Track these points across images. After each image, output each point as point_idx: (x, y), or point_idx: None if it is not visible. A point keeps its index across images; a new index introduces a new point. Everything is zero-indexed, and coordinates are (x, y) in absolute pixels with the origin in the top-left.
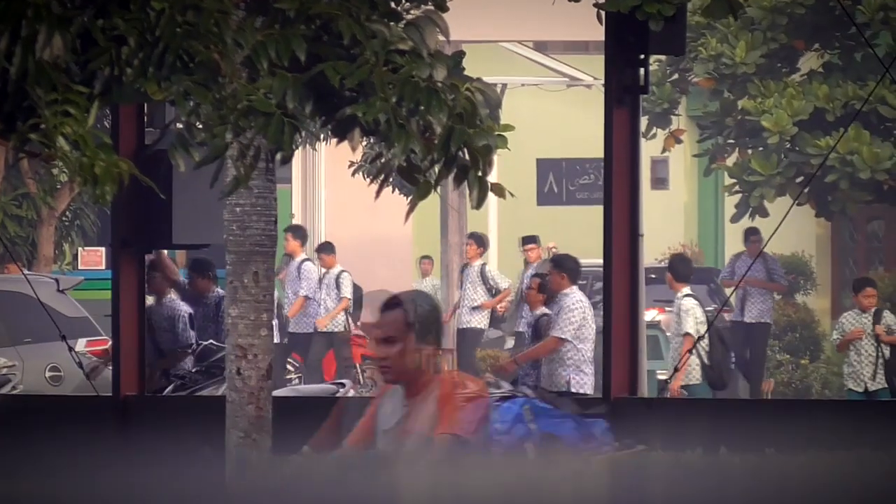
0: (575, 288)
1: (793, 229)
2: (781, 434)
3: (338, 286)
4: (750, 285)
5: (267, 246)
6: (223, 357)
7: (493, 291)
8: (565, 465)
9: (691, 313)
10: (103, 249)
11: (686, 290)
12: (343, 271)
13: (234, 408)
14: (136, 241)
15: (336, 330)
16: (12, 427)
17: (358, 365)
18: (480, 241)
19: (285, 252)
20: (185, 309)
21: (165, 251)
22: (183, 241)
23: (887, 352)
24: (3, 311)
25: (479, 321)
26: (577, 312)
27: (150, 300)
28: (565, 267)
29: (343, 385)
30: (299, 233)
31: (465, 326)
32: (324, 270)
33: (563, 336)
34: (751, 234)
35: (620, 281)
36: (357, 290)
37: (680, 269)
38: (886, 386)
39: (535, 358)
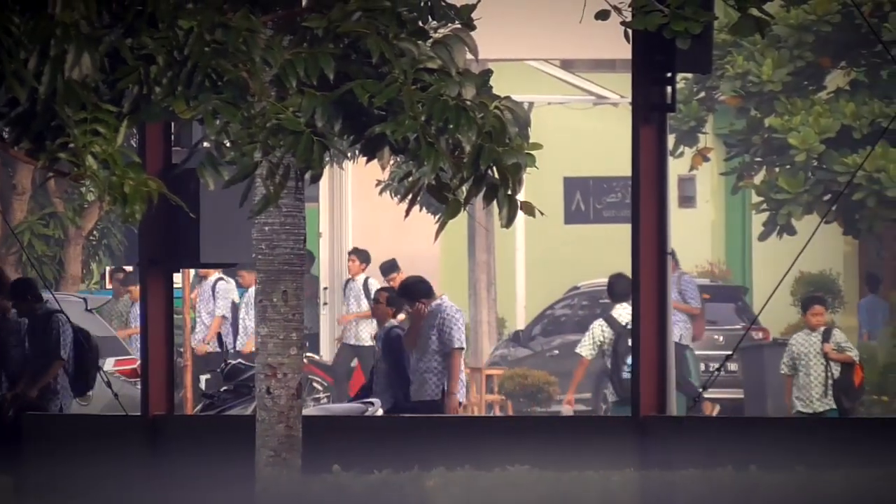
0: (443, 297)
1: (820, 247)
2: (812, 452)
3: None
4: None
5: (296, 265)
6: (252, 376)
7: None
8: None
9: (593, 333)
10: (131, 268)
11: (621, 308)
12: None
13: (264, 427)
14: (164, 259)
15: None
16: (42, 446)
17: None
18: (363, 256)
19: (197, 273)
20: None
21: None
22: (211, 260)
23: (836, 371)
24: None
25: (368, 338)
26: (461, 318)
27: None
28: (418, 291)
29: (372, 404)
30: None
31: (353, 343)
32: (243, 290)
33: (462, 346)
34: None
35: (648, 299)
36: None
37: (617, 288)
38: (835, 406)
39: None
